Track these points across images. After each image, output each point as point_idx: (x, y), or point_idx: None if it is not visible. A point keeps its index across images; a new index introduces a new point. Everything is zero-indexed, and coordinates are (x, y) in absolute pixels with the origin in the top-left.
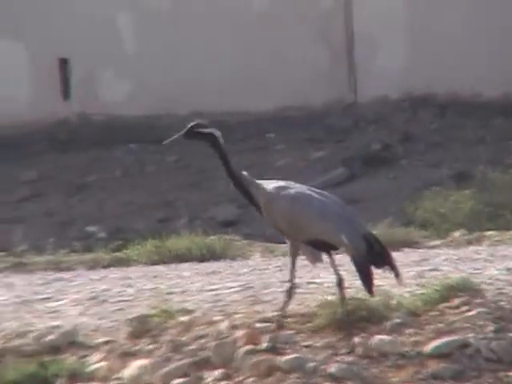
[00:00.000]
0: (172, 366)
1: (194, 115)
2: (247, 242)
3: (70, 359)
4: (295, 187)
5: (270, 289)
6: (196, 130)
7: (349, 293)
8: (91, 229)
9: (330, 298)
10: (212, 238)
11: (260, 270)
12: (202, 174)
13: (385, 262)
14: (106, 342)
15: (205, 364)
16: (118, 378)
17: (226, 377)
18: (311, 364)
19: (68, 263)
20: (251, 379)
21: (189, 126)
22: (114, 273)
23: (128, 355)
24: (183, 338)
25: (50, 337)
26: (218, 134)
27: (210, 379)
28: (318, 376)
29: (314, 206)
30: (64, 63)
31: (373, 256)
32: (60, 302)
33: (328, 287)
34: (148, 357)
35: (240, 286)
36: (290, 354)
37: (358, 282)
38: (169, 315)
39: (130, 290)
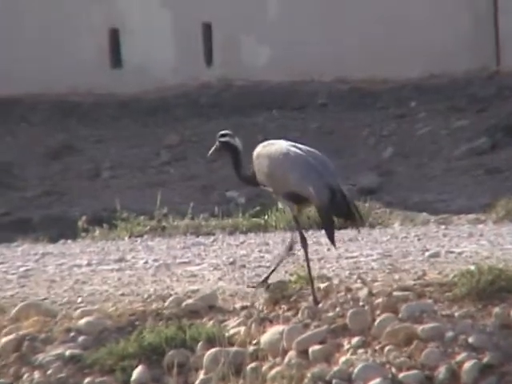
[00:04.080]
0: (310, 332)
1: (337, 82)
2: (387, 209)
3: (208, 323)
4: (278, 144)
5: (408, 257)
6: (223, 139)
7: (488, 263)
8: (231, 194)
9: (469, 267)
10: None
11: (399, 238)
12: (345, 141)
13: (347, 213)
14: (244, 308)
15: (342, 331)
16: (256, 344)
17: (364, 344)
18: (450, 333)
19: (207, 228)
20: (389, 347)
21: (218, 137)
22: (253, 238)
23: (266, 321)
24: (321, 305)
25: (189, 301)
26: (240, 146)
27: (347, 346)
28: (456, 345)
29: (288, 160)
30: (207, 28)
31: (334, 206)
32: (199, 267)
33: (467, 257)
34: (286, 323)
35: (379, 253)
36: (429, 322)
37: (500, 253)
38: (307, 282)
39: (268, 256)
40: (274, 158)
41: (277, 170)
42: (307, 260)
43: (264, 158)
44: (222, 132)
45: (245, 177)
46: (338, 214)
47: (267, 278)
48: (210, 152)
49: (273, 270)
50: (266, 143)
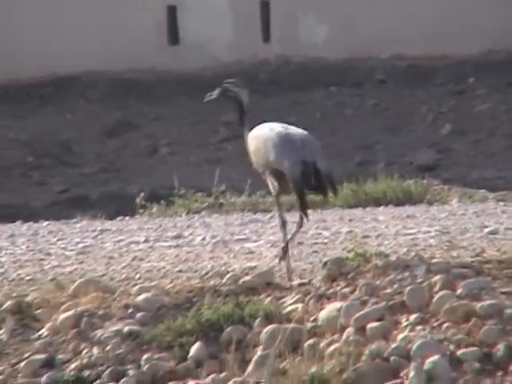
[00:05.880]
0: (367, 309)
1: (395, 58)
2: (445, 186)
3: (265, 300)
4: (266, 126)
5: (466, 234)
6: (228, 90)
7: None
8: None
9: None
10: (409, 182)
11: (457, 215)
12: (402, 118)
13: (319, 187)
14: (302, 284)
15: (400, 308)
16: (314, 320)
17: (422, 321)
18: (509, 310)
19: (265, 205)
20: (447, 324)
21: (224, 85)
22: (310, 215)
23: (323, 298)
24: (379, 282)
25: (246, 277)
26: (245, 99)
27: (405, 323)
28: None
29: (269, 139)
30: (265, 5)
31: (305, 179)
32: (256, 244)
33: None
34: (343, 300)
35: (437, 230)
36: (487, 300)
37: None
38: (364, 259)
39: (326, 233)
40: (259, 138)
41: (260, 148)
42: (286, 241)
43: (253, 139)
44: (228, 80)
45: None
46: (309, 187)
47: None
48: (208, 98)
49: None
50: (259, 126)
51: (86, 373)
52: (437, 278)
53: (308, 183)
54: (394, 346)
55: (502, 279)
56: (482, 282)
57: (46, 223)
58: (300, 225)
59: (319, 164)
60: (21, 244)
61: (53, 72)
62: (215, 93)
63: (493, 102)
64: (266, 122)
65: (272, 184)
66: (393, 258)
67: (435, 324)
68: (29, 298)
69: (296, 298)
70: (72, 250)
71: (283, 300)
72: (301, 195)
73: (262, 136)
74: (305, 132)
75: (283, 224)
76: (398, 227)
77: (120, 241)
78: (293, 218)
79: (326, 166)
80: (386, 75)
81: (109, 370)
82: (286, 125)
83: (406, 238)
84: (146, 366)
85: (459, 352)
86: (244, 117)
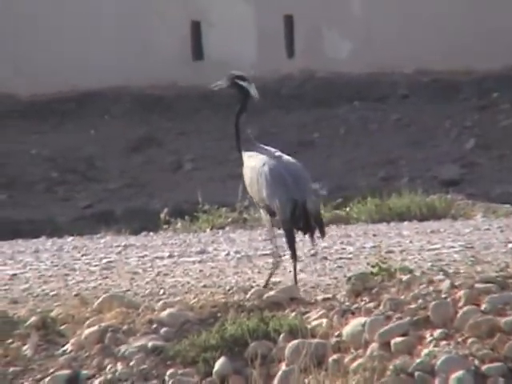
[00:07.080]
0: (392, 324)
1: (418, 73)
2: (469, 201)
3: (290, 315)
4: (259, 157)
5: (491, 249)
6: (237, 80)
7: None
8: (313, 186)
9: None
10: (433, 197)
11: (481, 230)
12: (425, 133)
13: (307, 228)
14: (326, 299)
15: (424, 323)
16: (338, 335)
17: (446, 337)
18: None
19: None
20: (472, 339)
21: (232, 75)
22: (334, 230)
23: (348, 313)
24: (403, 297)
25: (271, 292)
26: (253, 91)
27: (429, 339)
28: None
29: (262, 175)
30: (289, 20)
31: (294, 220)
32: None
33: None
34: (368, 315)
35: (461, 245)
36: None
37: None
38: (389, 274)
39: (350, 248)
40: (253, 172)
41: (254, 183)
42: (295, 269)
43: (247, 170)
44: (238, 73)
45: (238, 132)
46: (297, 227)
47: (267, 282)
48: (215, 85)
49: (270, 275)
50: (252, 153)
51: None
52: (461, 293)
53: (296, 223)
54: (418, 361)
55: None
56: (507, 297)
57: (71, 238)
58: (294, 258)
59: (308, 204)
60: (45, 259)
61: (75, 88)
62: (223, 81)
63: None
64: (265, 144)
65: (265, 217)
66: (417, 273)
67: (460, 339)
68: (53, 314)
69: (320, 312)
70: (96, 266)
71: (308, 315)
72: (289, 235)
73: (255, 170)
74: (297, 164)
75: (277, 260)
76: (423, 242)
77: (144, 256)
78: (317, 233)
79: (315, 206)
80: (409, 90)
81: None
82: (279, 153)
83: (431, 253)
84: (171, 382)
85: (484, 367)
86: (243, 110)
